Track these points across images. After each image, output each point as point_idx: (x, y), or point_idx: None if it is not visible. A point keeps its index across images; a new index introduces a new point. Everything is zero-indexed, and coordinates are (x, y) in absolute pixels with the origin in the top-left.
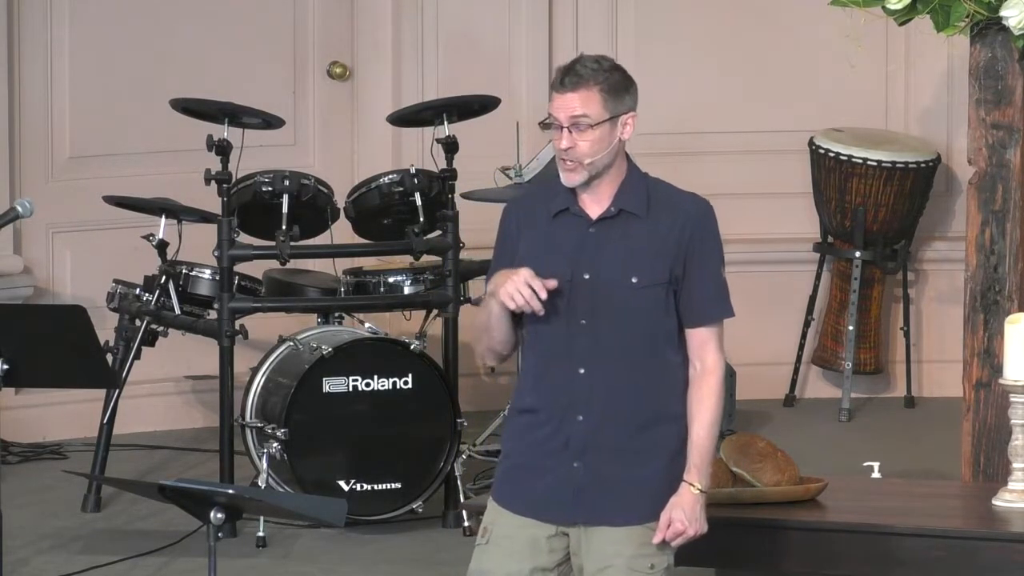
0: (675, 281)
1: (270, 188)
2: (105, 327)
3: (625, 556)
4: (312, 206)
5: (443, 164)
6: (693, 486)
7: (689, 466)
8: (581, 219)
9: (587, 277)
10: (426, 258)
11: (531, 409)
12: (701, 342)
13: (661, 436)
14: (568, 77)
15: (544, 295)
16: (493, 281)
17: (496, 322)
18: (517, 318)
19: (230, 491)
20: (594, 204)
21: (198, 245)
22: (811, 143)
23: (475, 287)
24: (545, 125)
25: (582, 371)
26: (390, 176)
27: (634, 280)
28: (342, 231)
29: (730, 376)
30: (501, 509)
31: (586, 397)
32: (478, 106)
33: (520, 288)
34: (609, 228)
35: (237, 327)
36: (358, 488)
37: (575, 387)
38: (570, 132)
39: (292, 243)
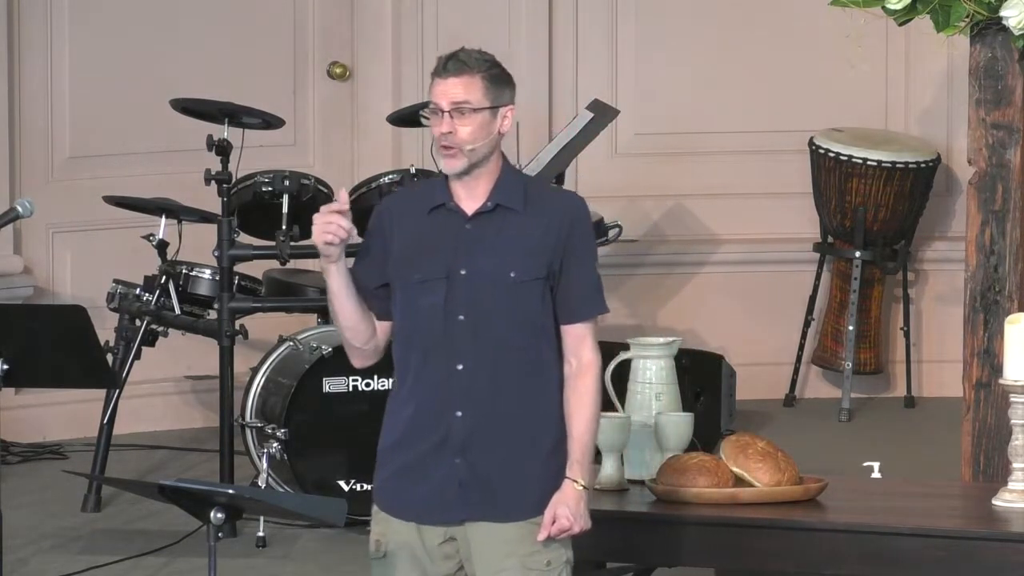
0: (552, 277)
1: (270, 188)
2: (105, 327)
3: (519, 555)
4: (312, 206)
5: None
6: (576, 482)
7: (571, 462)
8: (457, 215)
9: (464, 273)
10: None
11: (409, 408)
12: (577, 339)
13: (539, 432)
14: (451, 63)
15: (346, 206)
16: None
17: (338, 302)
18: (381, 308)
19: (230, 491)
20: (470, 200)
21: (198, 245)
22: (811, 143)
23: None
24: (425, 118)
25: (460, 367)
26: (390, 176)
27: (512, 275)
28: None
29: (730, 376)
30: (388, 517)
31: (465, 393)
32: None
33: (327, 219)
34: (486, 223)
35: (237, 327)
36: (358, 488)
37: (453, 383)
38: (451, 117)
39: (292, 243)
